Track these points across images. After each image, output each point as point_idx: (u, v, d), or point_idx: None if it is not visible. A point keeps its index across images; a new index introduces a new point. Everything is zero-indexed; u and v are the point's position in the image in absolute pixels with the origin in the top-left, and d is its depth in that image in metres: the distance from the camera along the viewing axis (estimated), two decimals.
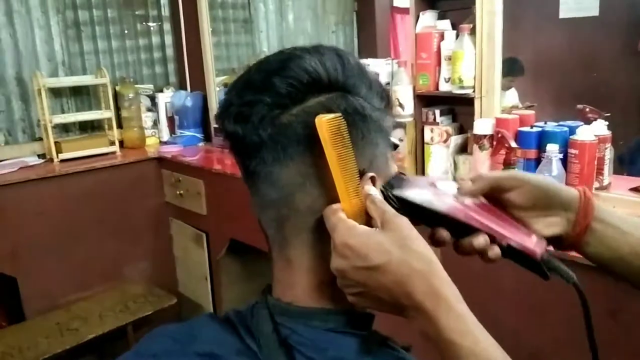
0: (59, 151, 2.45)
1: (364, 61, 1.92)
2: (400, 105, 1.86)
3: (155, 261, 2.67)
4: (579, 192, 0.57)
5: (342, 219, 0.50)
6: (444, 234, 0.55)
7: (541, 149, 1.48)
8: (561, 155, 1.44)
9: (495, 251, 0.54)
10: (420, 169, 1.89)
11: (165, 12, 2.90)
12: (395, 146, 0.62)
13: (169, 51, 2.94)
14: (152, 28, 2.87)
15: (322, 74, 0.51)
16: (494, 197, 0.58)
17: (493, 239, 0.54)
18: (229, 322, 0.59)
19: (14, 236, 2.26)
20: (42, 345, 2.02)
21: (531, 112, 1.68)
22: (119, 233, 2.54)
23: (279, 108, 0.51)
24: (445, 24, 1.75)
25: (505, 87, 3.71)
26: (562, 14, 3.60)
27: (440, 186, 0.57)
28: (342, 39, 3.61)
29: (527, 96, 3.84)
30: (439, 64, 1.74)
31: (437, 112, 1.81)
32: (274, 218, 0.55)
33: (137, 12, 2.81)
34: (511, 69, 3.76)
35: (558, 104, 3.86)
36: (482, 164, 1.64)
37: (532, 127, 1.55)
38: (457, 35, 1.69)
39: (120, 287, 2.47)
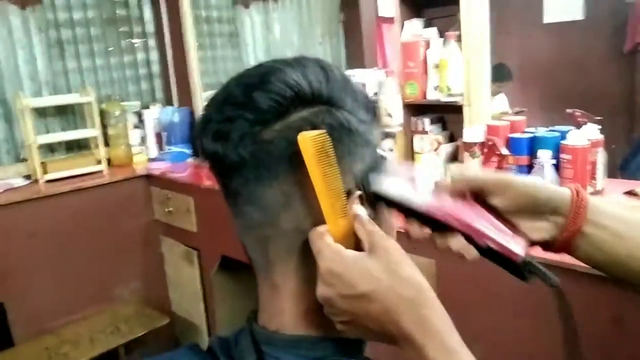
0: (44, 172, 2.41)
1: (351, 72, 1.92)
2: (389, 115, 1.84)
3: (146, 280, 2.63)
4: (571, 193, 0.53)
5: (327, 244, 0.47)
6: (420, 229, 0.52)
7: (533, 155, 1.46)
8: (553, 161, 1.42)
9: (471, 252, 0.51)
10: None
11: (150, 28, 2.87)
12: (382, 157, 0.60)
13: (155, 67, 2.91)
14: (136, 45, 2.85)
15: (305, 88, 0.49)
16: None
17: (471, 238, 0.51)
18: (211, 353, 0.56)
19: (1, 259, 2.21)
20: None
21: (522, 118, 1.66)
22: (109, 253, 2.49)
23: (261, 124, 0.48)
24: (432, 32, 1.74)
25: (494, 93, 3.70)
26: (546, 19, 3.63)
27: (420, 179, 0.55)
28: (330, 50, 3.60)
29: (516, 102, 3.86)
30: (426, 72, 1.73)
31: (427, 120, 1.80)
32: (257, 240, 0.52)
33: (120, 29, 2.78)
34: (499, 74, 3.77)
35: (548, 109, 3.87)
36: None
37: (523, 133, 1.53)
38: (444, 43, 1.68)
39: (111, 308, 2.42)
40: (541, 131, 1.52)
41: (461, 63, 1.63)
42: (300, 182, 0.48)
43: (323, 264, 0.47)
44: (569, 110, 2.63)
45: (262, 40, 3.29)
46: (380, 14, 3.27)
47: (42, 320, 2.28)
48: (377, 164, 0.54)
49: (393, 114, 1.85)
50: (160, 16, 2.83)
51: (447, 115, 1.82)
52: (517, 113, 3.60)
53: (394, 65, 1.89)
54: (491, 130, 1.55)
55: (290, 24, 3.41)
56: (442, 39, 1.70)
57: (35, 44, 2.50)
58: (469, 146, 1.62)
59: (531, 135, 1.50)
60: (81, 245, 2.40)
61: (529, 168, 1.46)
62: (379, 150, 0.57)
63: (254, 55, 3.25)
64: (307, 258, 0.50)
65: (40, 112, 2.54)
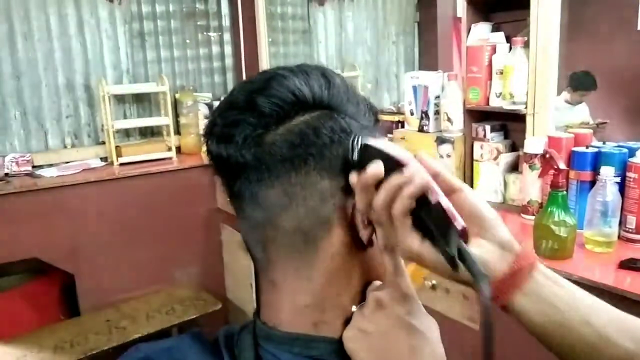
0: (119, 155, 2.56)
1: (413, 74, 1.88)
2: (449, 119, 1.80)
3: (204, 266, 2.73)
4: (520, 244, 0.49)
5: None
6: (380, 165, 0.47)
7: (597, 171, 1.37)
8: (618, 179, 1.33)
9: (419, 183, 0.45)
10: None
11: (226, 22, 2.97)
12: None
13: (228, 61, 3.00)
14: (212, 38, 2.95)
15: (307, 94, 0.50)
16: None
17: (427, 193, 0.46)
18: (214, 344, 0.58)
19: (74, 235, 2.38)
20: (90, 341, 2.11)
21: (588, 130, 1.57)
22: (171, 236, 2.61)
23: (263, 128, 0.50)
24: (499, 37, 1.68)
25: (575, 102, 3.53)
26: None
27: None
28: (403, 50, 3.56)
29: (600, 112, 3.62)
30: (490, 78, 1.67)
31: (488, 128, 1.74)
32: (259, 240, 0.54)
33: (198, 23, 2.90)
34: (583, 83, 3.57)
35: (635, 122, 3.61)
36: (532, 184, 1.55)
37: (587, 147, 1.45)
38: (510, 49, 1.61)
39: (169, 289, 2.54)
40: (608, 146, 1.42)
41: (527, 70, 1.56)
42: (301, 183, 0.50)
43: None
44: None
45: (334, 38, 3.31)
46: (458, 15, 3.20)
47: (106, 294, 2.43)
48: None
49: (453, 119, 1.80)
50: (236, 11, 2.91)
51: (510, 124, 1.75)
52: (599, 125, 3.40)
53: (457, 69, 1.84)
54: (553, 142, 1.47)
55: (364, 22, 3.40)
56: (508, 45, 1.63)
57: (119, 34, 2.66)
58: (529, 157, 1.55)
59: (596, 149, 1.41)
60: (146, 227, 2.53)
61: (592, 184, 1.38)
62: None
63: (325, 52, 3.28)
64: (306, 257, 0.51)
65: (120, 99, 2.71)
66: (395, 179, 0.46)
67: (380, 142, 0.49)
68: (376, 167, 0.47)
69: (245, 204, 0.53)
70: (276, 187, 0.50)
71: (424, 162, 0.48)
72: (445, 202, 0.46)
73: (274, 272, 0.54)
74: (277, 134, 0.50)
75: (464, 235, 0.47)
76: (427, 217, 0.47)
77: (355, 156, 0.49)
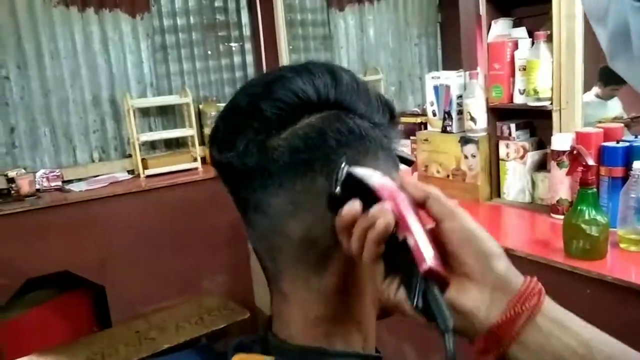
0: (145, 167, 2.60)
1: (434, 74, 1.85)
2: (472, 119, 1.75)
3: (232, 275, 2.73)
4: (525, 278, 0.43)
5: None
6: (357, 203, 0.43)
7: (629, 166, 1.31)
8: None
9: (386, 221, 0.41)
10: (495, 187, 1.77)
11: (247, 32, 2.99)
12: (410, 162, 0.56)
13: (250, 70, 3.02)
14: (234, 48, 2.98)
15: (311, 94, 0.47)
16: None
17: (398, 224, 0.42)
18: (222, 357, 0.56)
19: (103, 247, 2.42)
20: (121, 352, 2.13)
21: (619, 125, 1.50)
22: (199, 246, 2.62)
23: (266, 133, 0.47)
24: (521, 32, 1.63)
25: (607, 97, 3.42)
26: None
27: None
28: (425, 52, 3.52)
29: (633, 106, 3.50)
30: (513, 74, 1.62)
31: (513, 126, 1.69)
32: (267, 249, 0.52)
33: (219, 34, 2.93)
34: (614, 77, 3.42)
35: None
36: (560, 182, 1.49)
37: (618, 141, 1.38)
38: (533, 44, 1.56)
39: (197, 299, 2.55)
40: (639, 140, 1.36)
41: (551, 65, 1.51)
42: (306, 190, 0.47)
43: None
44: None
45: (355, 42, 3.30)
46: (480, 13, 3.15)
47: (135, 305, 2.46)
48: (394, 167, 0.52)
49: (477, 118, 1.76)
50: (256, 20, 2.93)
51: (536, 121, 1.69)
52: (633, 119, 3.28)
53: (479, 67, 1.80)
54: (581, 137, 1.42)
55: (386, 26, 3.38)
56: (530, 40, 1.58)
57: (142, 49, 2.71)
58: (556, 154, 1.50)
59: (627, 144, 1.35)
60: (173, 238, 2.55)
61: (624, 180, 1.31)
62: (400, 152, 0.54)
63: (347, 57, 3.26)
64: (315, 267, 0.49)
65: (144, 112, 2.75)
66: (361, 222, 0.42)
67: (364, 171, 0.45)
68: (350, 208, 0.43)
69: (251, 212, 0.50)
70: (281, 194, 0.48)
71: (410, 188, 0.45)
72: (415, 240, 0.40)
73: (283, 283, 0.51)
74: (281, 138, 0.47)
75: (435, 276, 0.40)
76: (395, 259, 0.42)
77: (337, 189, 0.44)
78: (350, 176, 0.44)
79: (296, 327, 0.51)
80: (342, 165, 0.45)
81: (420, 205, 0.45)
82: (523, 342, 0.41)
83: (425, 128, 2.03)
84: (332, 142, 0.47)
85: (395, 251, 0.42)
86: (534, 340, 0.40)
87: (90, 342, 2.26)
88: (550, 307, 0.41)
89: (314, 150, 0.46)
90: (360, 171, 0.45)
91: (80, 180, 2.57)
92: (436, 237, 0.43)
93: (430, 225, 0.44)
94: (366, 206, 0.43)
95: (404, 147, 2.01)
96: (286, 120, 0.47)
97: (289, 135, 0.47)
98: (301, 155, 0.46)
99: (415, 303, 0.40)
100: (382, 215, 0.41)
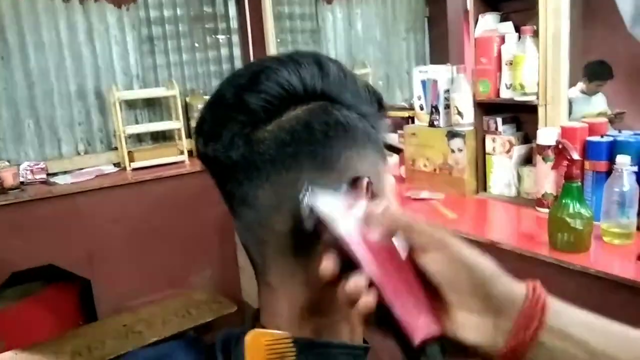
0: (131, 160, 2.58)
1: (421, 68, 1.85)
2: (459, 113, 1.76)
3: (219, 269, 2.73)
4: (527, 291, 0.39)
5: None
6: (331, 263, 0.42)
7: (612, 160, 1.33)
8: (635, 169, 1.29)
9: (367, 301, 0.39)
10: (482, 181, 1.79)
11: (234, 24, 2.97)
12: (398, 150, 0.56)
13: (238, 63, 3.00)
14: (221, 41, 2.96)
15: (297, 86, 0.47)
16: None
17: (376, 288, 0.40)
18: (211, 350, 0.56)
19: (89, 240, 2.40)
20: (108, 346, 2.12)
21: (603, 120, 1.52)
22: (186, 240, 2.61)
23: (251, 125, 0.47)
24: (508, 27, 1.64)
25: (592, 93, 3.46)
26: None
27: (360, 207, 0.44)
28: (413, 46, 3.53)
29: (618, 102, 3.54)
30: (499, 69, 1.64)
31: (499, 120, 1.70)
32: (254, 241, 0.52)
33: (206, 26, 2.90)
34: (598, 72, 3.49)
35: None
36: (546, 176, 1.51)
37: (602, 136, 1.40)
38: (519, 39, 1.57)
39: (185, 293, 2.54)
40: (624, 135, 1.38)
41: (537, 60, 1.52)
42: (292, 183, 0.47)
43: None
44: None
45: (343, 36, 3.29)
46: (468, 8, 3.16)
47: (122, 299, 2.44)
48: (381, 159, 0.52)
49: (464, 112, 1.77)
50: (244, 13, 2.91)
51: (522, 115, 1.71)
52: (617, 115, 3.33)
53: (466, 62, 1.81)
54: (566, 132, 1.43)
55: (374, 20, 3.38)
56: (517, 34, 1.60)
57: (128, 40, 2.68)
58: (542, 149, 1.51)
59: (611, 139, 1.37)
60: (160, 231, 2.54)
61: (607, 175, 1.33)
62: (388, 140, 0.54)
63: (334, 51, 3.26)
64: (301, 261, 0.49)
65: (131, 104, 2.72)
66: (342, 292, 0.40)
67: (327, 202, 0.43)
68: (326, 268, 0.42)
69: (237, 204, 0.50)
70: (267, 187, 0.47)
71: (390, 221, 0.42)
72: (399, 313, 0.38)
73: (269, 275, 0.51)
74: (267, 131, 0.47)
75: (430, 340, 0.38)
76: (387, 324, 0.40)
77: (309, 226, 0.44)
78: (312, 211, 0.43)
79: (283, 319, 0.51)
80: (304, 199, 0.44)
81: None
82: None
83: (413, 122, 2.04)
84: (319, 135, 0.46)
85: (382, 315, 0.40)
86: (542, 358, 0.39)
87: (76, 336, 2.24)
88: (555, 319, 0.39)
89: (300, 143, 0.46)
90: (324, 209, 0.43)
91: (65, 172, 2.54)
92: (422, 272, 0.41)
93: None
94: (340, 253, 0.42)
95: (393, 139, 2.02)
96: (272, 112, 0.47)
97: (274, 127, 0.47)
98: (287, 149, 0.46)
99: None
100: (359, 295, 0.40)
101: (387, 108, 0.55)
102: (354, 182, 0.47)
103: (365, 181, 0.47)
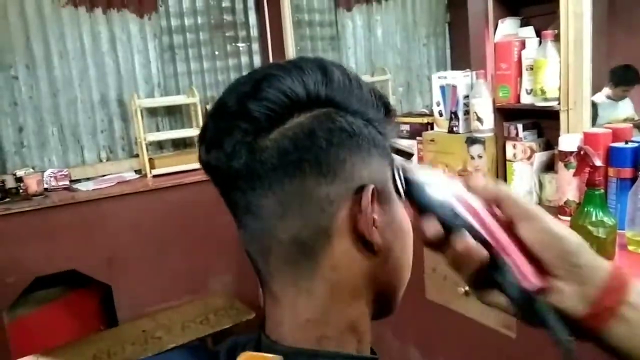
0: (152, 167, 2.61)
1: (440, 74, 1.83)
2: (479, 119, 1.74)
3: (238, 275, 2.73)
4: (612, 268, 0.44)
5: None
6: (435, 226, 0.48)
7: (637, 167, 1.30)
8: None
9: (482, 253, 0.45)
10: None
11: (254, 32, 2.99)
12: (409, 155, 0.56)
13: None
14: (241, 49, 2.98)
15: (301, 93, 0.46)
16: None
17: (491, 247, 0.45)
18: (214, 357, 0.56)
19: (110, 246, 2.43)
20: (127, 351, 2.14)
21: (628, 125, 1.48)
22: (205, 246, 2.63)
23: (254, 134, 0.46)
24: (528, 31, 1.61)
25: (618, 98, 3.38)
26: None
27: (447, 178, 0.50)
28: (434, 52, 3.50)
29: None
30: (520, 74, 1.61)
31: (520, 126, 1.67)
32: (258, 251, 0.51)
33: (227, 34, 2.93)
34: (625, 77, 3.41)
35: None
36: (568, 184, 1.47)
37: (626, 142, 1.36)
38: (540, 43, 1.55)
39: (203, 299, 2.56)
40: None
41: (558, 64, 1.49)
42: (295, 192, 0.46)
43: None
44: None
45: (363, 42, 3.29)
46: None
47: (142, 304, 2.47)
48: (388, 165, 0.51)
49: (483, 118, 1.74)
50: (264, 21, 2.94)
51: (544, 121, 1.67)
52: None
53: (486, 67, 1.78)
54: (589, 138, 1.40)
55: (394, 26, 3.37)
56: (538, 39, 1.57)
57: (150, 49, 2.72)
58: (564, 155, 1.48)
59: (636, 145, 1.33)
60: (180, 238, 2.55)
61: (632, 182, 1.30)
62: (398, 145, 0.54)
63: (354, 58, 3.26)
64: (305, 270, 0.48)
65: (152, 112, 2.76)
66: (451, 253, 0.46)
67: (427, 173, 0.48)
68: (431, 228, 0.48)
69: (241, 213, 0.49)
70: (270, 196, 0.47)
71: (480, 191, 0.47)
72: (514, 262, 0.44)
73: (274, 284, 0.51)
74: (270, 139, 0.46)
75: (539, 291, 0.44)
76: (497, 279, 0.45)
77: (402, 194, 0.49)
78: (411, 184, 0.48)
79: (287, 328, 0.50)
80: (397, 172, 0.48)
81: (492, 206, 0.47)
82: (611, 332, 0.43)
83: (432, 128, 2.02)
84: (322, 143, 0.46)
85: (492, 270, 0.45)
86: (619, 330, 0.43)
87: (96, 341, 2.27)
88: (635, 297, 0.43)
89: (303, 151, 0.45)
90: (423, 178, 0.48)
91: (87, 179, 2.58)
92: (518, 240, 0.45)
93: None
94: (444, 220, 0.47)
95: (411, 146, 2.00)
96: (275, 120, 0.46)
97: (277, 135, 0.46)
98: (290, 157, 0.45)
99: (527, 319, 0.44)
100: (473, 251, 0.45)
101: (394, 112, 0.54)
102: (360, 190, 0.47)
103: (370, 188, 0.47)
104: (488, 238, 0.45)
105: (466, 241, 0.45)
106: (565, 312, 0.44)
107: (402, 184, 0.48)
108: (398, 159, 0.51)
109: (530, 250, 0.45)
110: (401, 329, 1.79)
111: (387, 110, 0.52)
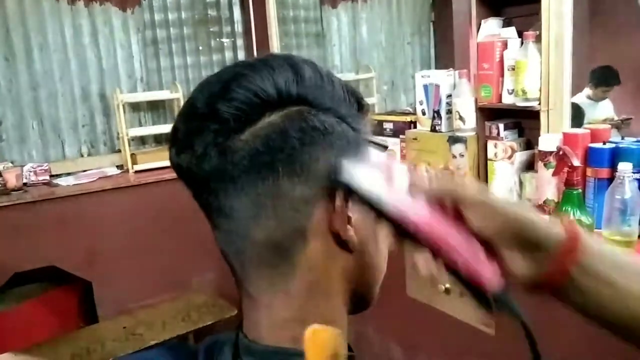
0: (134, 162, 2.58)
1: (423, 73, 1.84)
2: (461, 118, 1.75)
3: (221, 272, 2.72)
4: (564, 230, 0.46)
5: None
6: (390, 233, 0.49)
7: (615, 167, 1.32)
8: (637, 176, 1.27)
9: (440, 275, 0.47)
10: None
11: (239, 28, 2.98)
12: (384, 147, 0.56)
13: None
14: (225, 44, 2.97)
15: (271, 92, 0.46)
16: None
17: (439, 253, 0.46)
18: (193, 356, 0.56)
19: (91, 242, 2.40)
20: (107, 348, 2.12)
21: (606, 126, 1.51)
22: (187, 243, 2.60)
23: (224, 135, 0.45)
24: (510, 32, 1.63)
25: (598, 98, 3.44)
26: None
27: (398, 174, 0.49)
28: (418, 50, 3.52)
29: (625, 108, 3.51)
30: (502, 74, 1.62)
31: (501, 126, 1.68)
32: (233, 252, 0.51)
33: (211, 29, 2.91)
34: (605, 78, 3.46)
35: None
36: (547, 183, 1.49)
37: (604, 143, 1.39)
38: (522, 44, 1.56)
39: (185, 296, 2.54)
40: (626, 142, 1.36)
41: (539, 65, 1.51)
42: (269, 193, 0.46)
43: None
44: None
45: (348, 40, 3.29)
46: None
47: (123, 301, 2.44)
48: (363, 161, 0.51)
49: (465, 117, 1.75)
50: (249, 16, 2.92)
51: (524, 121, 1.69)
52: (623, 121, 3.30)
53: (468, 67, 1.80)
54: (568, 139, 1.42)
55: (378, 24, 3.38)
56: (520, 40, 1.58)
57: (133, 43, 2.69)
58: (544, 155, 1.50)
59: (613, 145, 1.35)
60: (162, 234, 2.54)
61: (610, 182, 1.32)
62: (372, 138, 0.53)
63: (339, 55, 3.26)
64: (281, 271, 0.48)
65: (134, 107, 2.73)
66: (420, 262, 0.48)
67: (365, 177, 0.47)
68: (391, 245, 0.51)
69: (214, 215, 0.49)
70: (243, 198, 0.46)
71: (426, 189, 0.48)
72: (465, 266, 0.45)
73: (250, 285, 0.51)
74: (241, 140, 0.45)
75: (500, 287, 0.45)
76: (456, 277, 0.46)
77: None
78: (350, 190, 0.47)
79: (264, 328, 0.51)
80: (339, 177, 0.47)
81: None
82: (565, 294, 0.46)
83: (415, 127, 2.03)
84: (295, 142, 0.45)
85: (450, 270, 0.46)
86: (573, 291, 0.45)
87: (76, 338, 2.24)
88: (587, 258, 0.45)
89: (275, 151, 0.45)
90: (365, 186, 0.46)
91: (68, 174, 2.55)
92: (470, 229, 0.47)
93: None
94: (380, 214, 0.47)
95: (394, 145, 2.01)
96: (246, 120, 0.45)
97: (249, 136, 0.45)
98: (262, 158, 0.45)
99: (488, 310, 0.45)
100: (432, 269, 0.47)
101: (367, 106, 0.53)
102: (333, 190, 0.47)
103: (343, 188, 0.47)
104: (434, 247, 0.45)
105: (426, 267, 0.47)
106: (526, 280, 0.46)
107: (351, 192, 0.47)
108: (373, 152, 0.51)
109: (484, 238, 0.46)
110: (382, 325, 1.80)
111: (360, 105, 0.51)
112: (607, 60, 3.43)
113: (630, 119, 3.27)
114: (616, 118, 3.34)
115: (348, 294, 0.52)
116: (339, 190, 0.47)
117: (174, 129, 0.49)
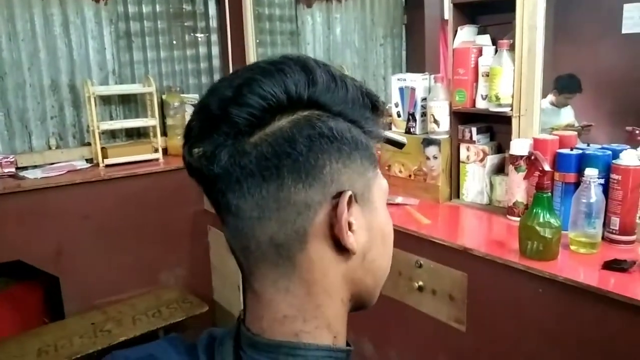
0: (104, 156, 2.54)
1: (400, 76, 1.88)
2: (436, 121, 1.80)
3: (192, 268, 2.71)
4: None
5: None
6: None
7: (581, 173, 1.39)
8: (602, 181, 1.34)
9: None
10: (455, 188, 1.83)
11: (213, 23, 2.96)
12: (401, 145, 0.58)
13: (216, 62, 2.99)
14: (199, 39, 2.94)
15: (281, 97, 0.47)
16: None
17: None
18: (193, 350, 0.57)
19: (58, 237, 2.35)
20: (75, 345, 2.08)
21: (573, 133, 1.58)
22: (158, 239, 2.59)
23: (235, 137, 0.47)
24: (485, 39, 1.69)
25: (561, 105, 3.57)
26: (626, 29, 3.41)
27: None
28: (390, 52, 3.57)
29: (585, 115, 3.66)
30: (476, 80, 1.68)
31: (474, 129, 1.75)
32: (239, 248, 0.52)
33: (185, 24, 2.89)
34: (568, 86, 3.59)
35: (619, 125, 3.64)
36: (517, 186, 1.56)
37: (572, 149, 1.46)
38: (496, 51, 1.62)
39: (155, 292, 2.52)
40: (592, 148, 1.44)
41: (512, 72, 1.57)
42: (273, 196, 0.48)
43: None
44: (628, 128, 2.46)
45: (322, 39, 3.31)
46: (445, 17, 3.22)
47: (91, 297, 2.41)
48: (371, 165, 0.53)
49: (440, 121, 1.81)
50: (224, 12, 2.90)
51: (496, 126, 1.76)
52: (584, 127, 3.43)
53: (444, 71, 1.85)
54: (538, 144, 1.48)
55: (352, 24, 3.41)
56: (494, 47, 1.64)
57: (105, 34, 2.64)
58: (514, 159, 1.56)
59: (580, 151, 1.42)
60: (132, 229, 2.51)
61: (577, 186, 1.39)
62: (390, 136, 0.56)
63: (313, 54, 3.27)
64: (282, 270, 0.50)
65: (106, 100, 2.68)
66: None
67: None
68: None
69: (222, 212, 0.51)
70: (248, 199, 0.48)
71: None
72: None
73: (254, 281, 0.52)
74: (250, 143, 0.47)
75: None
76: None
77: None
78: None
79: (266, 323, 0.52)
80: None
81: None
82: None
83: (390, 128, 2.07)
84: (302, 149, 0.46)
85: None
86: None
87: (42, 334, 2.20)
88: None
89: (281, 156, 0.46)
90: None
91: (35, 167, 2.49)
92: None
93: None
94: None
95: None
96: (256, 125, 0.47)
97: (258, 140, 0.47)
98: (269, 161, 0.46)
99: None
100: None
101: (383, 109, 0.55)
102: (337, 195, 0.48)
103: (347, 195, 0.48)
104: None
105: None
106: None
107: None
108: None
109: None
110: (355, 322, 1.83)
111: (375, 108, 0.53)
112: (570, 69, 3.56)
113: (591, 125, 3.41)
114: (577, 124, 3.47)
115: (347, 296, 0.54)
116: (342, 197, 0.48)
117: (188, 127, 0.50)
